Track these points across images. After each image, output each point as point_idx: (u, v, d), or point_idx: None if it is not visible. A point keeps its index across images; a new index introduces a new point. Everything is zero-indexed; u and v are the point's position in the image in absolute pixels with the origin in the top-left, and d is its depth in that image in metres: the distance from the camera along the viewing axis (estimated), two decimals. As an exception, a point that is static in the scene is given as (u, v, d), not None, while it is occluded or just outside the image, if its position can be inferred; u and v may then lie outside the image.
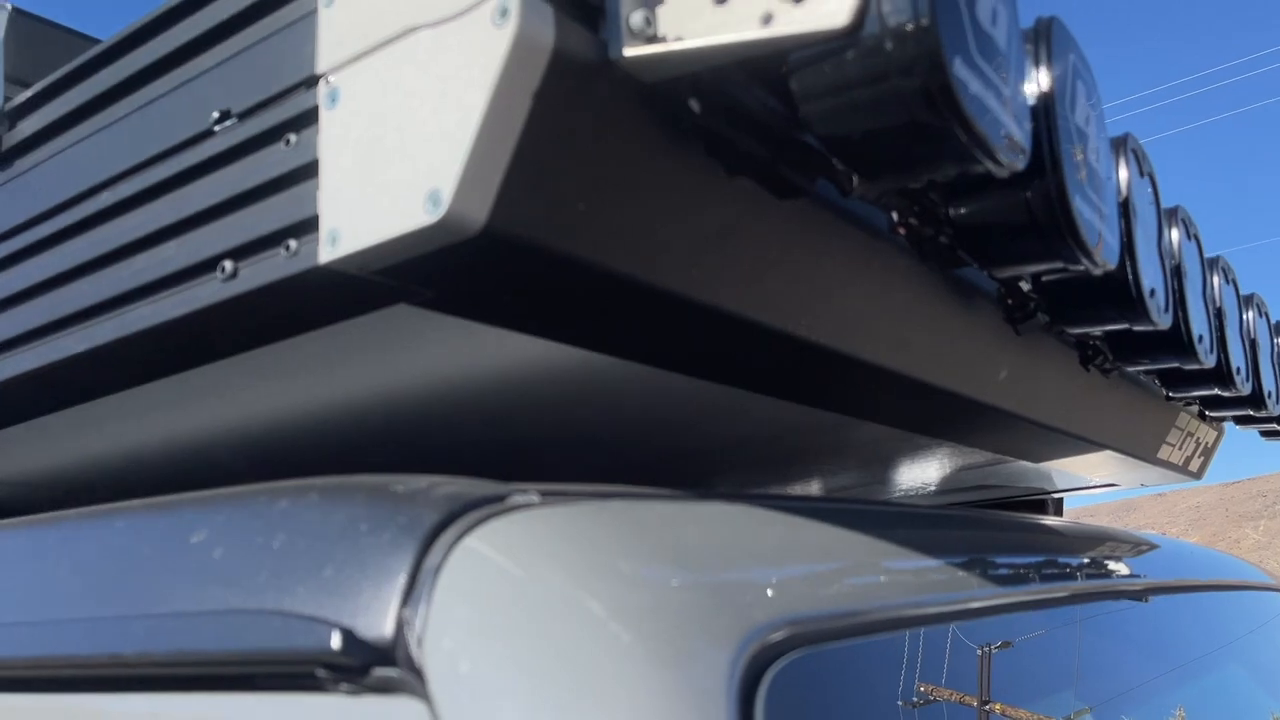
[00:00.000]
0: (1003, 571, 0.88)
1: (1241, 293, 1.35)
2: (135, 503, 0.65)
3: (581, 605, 0.48)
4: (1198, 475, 1.91)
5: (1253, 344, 1.36)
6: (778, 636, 0.50)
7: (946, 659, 0.67)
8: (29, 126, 0.85)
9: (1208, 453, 1.88)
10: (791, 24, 0.56)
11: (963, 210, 0.75)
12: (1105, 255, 0.77)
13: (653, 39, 0.59)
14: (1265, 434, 1.73)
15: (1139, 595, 1.27)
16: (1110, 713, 1.01)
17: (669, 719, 0.45)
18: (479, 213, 0.56)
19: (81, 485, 1.10)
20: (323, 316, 0.70)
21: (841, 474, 1.49)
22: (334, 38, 0.63)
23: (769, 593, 0.54)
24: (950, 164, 0.59)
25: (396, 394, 0.88)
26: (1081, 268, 0.76)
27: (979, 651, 0.74)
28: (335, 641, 0.44)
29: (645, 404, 0.95)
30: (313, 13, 0.65)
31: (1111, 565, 1.28)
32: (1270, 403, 1.42)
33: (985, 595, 0.78)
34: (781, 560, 0.61)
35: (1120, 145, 0.92)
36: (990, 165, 0.59)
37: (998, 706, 0.74)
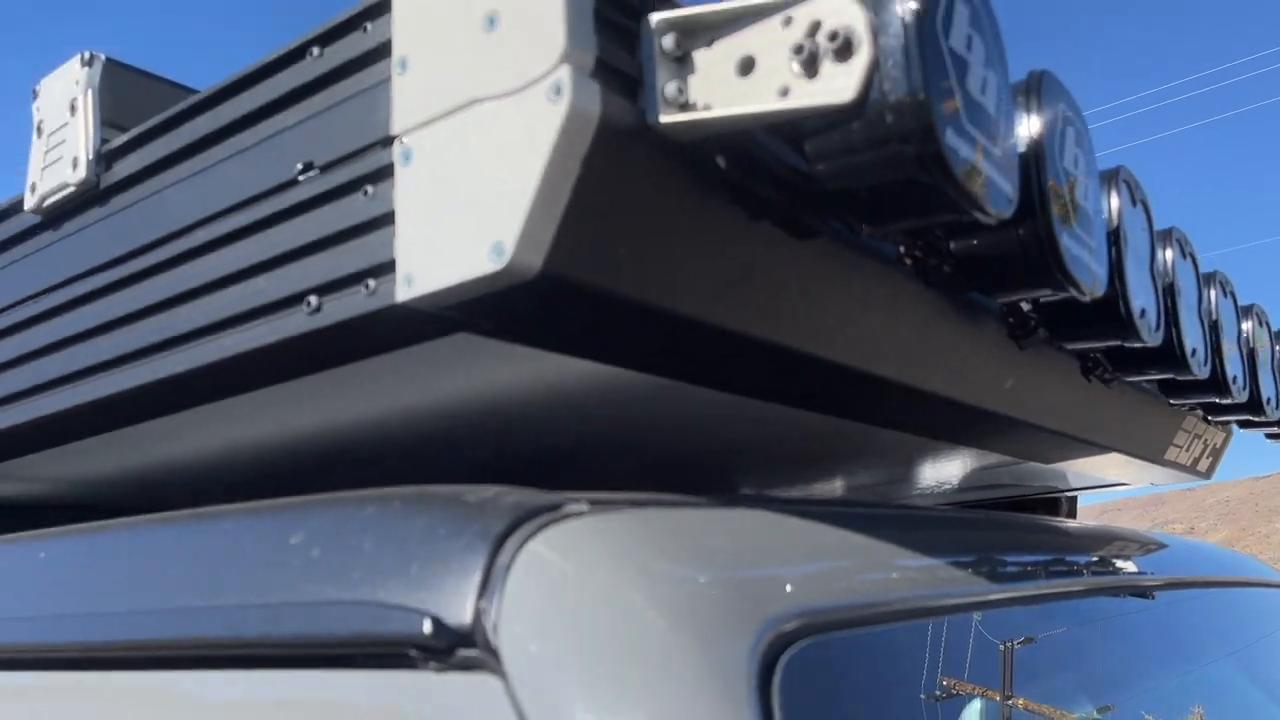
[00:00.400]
0: (1002, 569, 0.97)
1: (1240, 303, 1.42)
2: (240, 505, 0.75)
3: (625, 598, 0.58)
4: (1206, 475, 1.97)
5: (1251, 353, 1.43)
6: (791, 626, 0.59)
7: (944, 650, 0.76)
8: (125, 168, 0.95)
9: (1216, 453, 1.94)
10: (805, 97, 0.65)
11: (961, 245, 0.83)
12: (1091, 285, 0.85)
13: (685, 107, 0.68)
14: (1270, 436, 1.80)
15: (1143, 592, 1.35)
16: (1109, 707, 1.10)
17: (698, 693, 0.54)
18: (536, 260, 0.65)
19: (172, 484, 1.20)
20: (393, 344, 0.79)
21: (860, 476, 1.57)
22: (407, 104, 0.72)
23: (785, 588, 0.63)
24: (944, 215, 0.68)
25: (450, 407, 0.98)
26: (1070, 295, 0.85)
27: (978, 643, 0.82)
28: (426, 628, 0.54)
29: (676, 415, 1.05)
30: (387, 80, 0.74)
31: (1113, 562, 1.35)
32: (1270, 409, 1.49)
33: (986, 591, 0.87)
34: (797, 558, 0.70)
35: (1112, 178, 1.00)
36: (980, 216, 0.68)
37: (991, 693, 0.82)
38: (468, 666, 0.54)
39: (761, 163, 0.72)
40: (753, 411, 1.00)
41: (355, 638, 0.58)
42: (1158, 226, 1.15)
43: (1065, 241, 0.81)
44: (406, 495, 0.66)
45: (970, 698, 0.77)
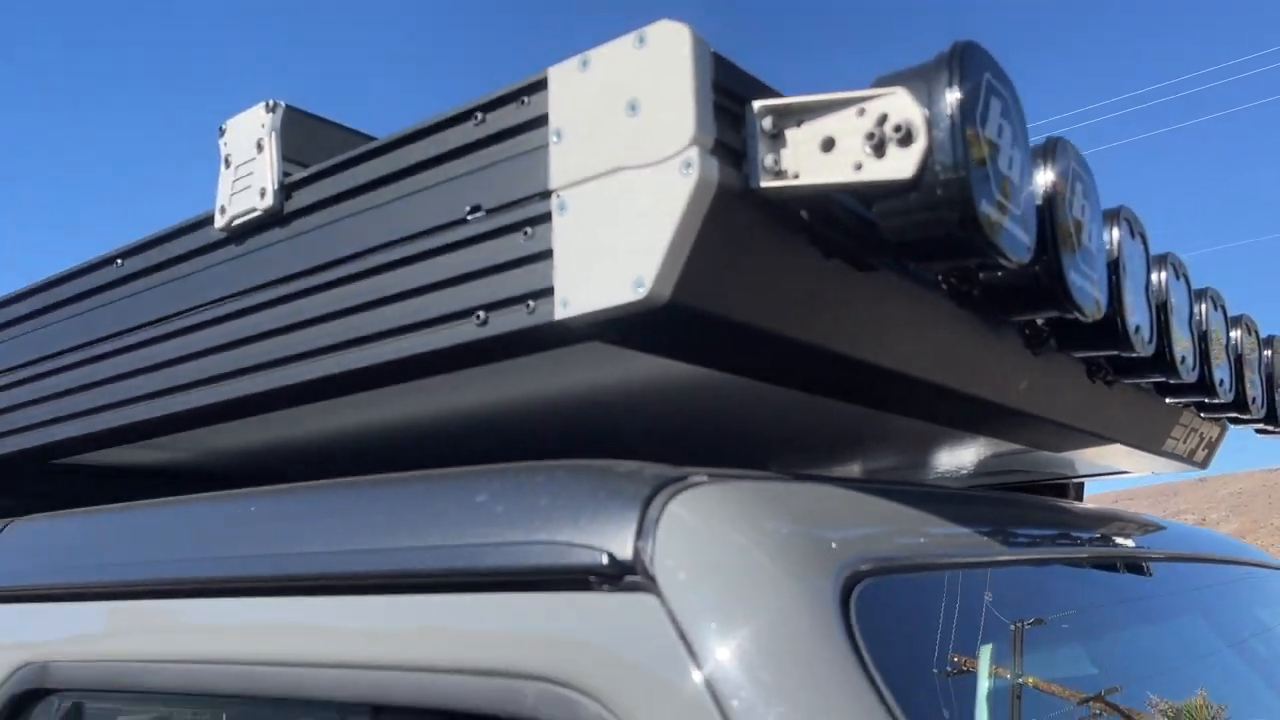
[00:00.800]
0: (1015, 536, 1.18)
1: (1230, 314, 1.63)
2: (440, 470, 0.97)
3: (739, 543, 0.80)
4: (1203, 465, 2.18)
5: (1238, 359, 1.63)
6: (863, 568, 0.81)
7: (969, 592, 0.98)
8: (306, 198, 1.16)
9: (1211, 446, 2.15)
10: (874, 173, 0.86)
11: (988, 276, 1.05)
12: (1093, 309, 1.06)
13: (779, 175, 0.89)
14: (1259, 432, 2.00)
15: (1133, 556, 1.56)
16: (1101, 651, 1.31)
17: (792, 608, 0.76)
18: (666, 291, 0.87)
19: (337, 453, 1.43)
20: (538, 349, 1.01)
21: (900, 459, 1.79)
22: (563, 165, 0.94)
23: (852, 539, 0.85)
24: (976, 259, 0.89)
25: (577, 395, 1.20)
26: (1074, 317, 1.06)
27: (995, 589, 1.04)
28: (603, 560, 0.76)
29: (751, 407, 1.26)
30: (545, 145, 0.95)
31: (1109, 534, 1.57)
32: (1254, 408, 1.70)
33: (1002, 551, 1.09)
34: (858, 520, 0.92)
35: (1114, 215, 1.20)
36: (1004, 262, 0.89)
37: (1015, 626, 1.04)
38: (633, 589, 0.76)
39: (834, 216, 0.94)
40: (815, 405, 1.22)
41: (544, 568, 0.80)
42: (1155, 251, 1.36)
43: (1071, 275, 1.02)
44: (569, 466, 0.88)
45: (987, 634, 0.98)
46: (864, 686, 0.72)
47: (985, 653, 0.94)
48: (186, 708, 1.11)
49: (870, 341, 1.07)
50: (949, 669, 0.90)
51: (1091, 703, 1.12)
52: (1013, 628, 0.99)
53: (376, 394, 1.17)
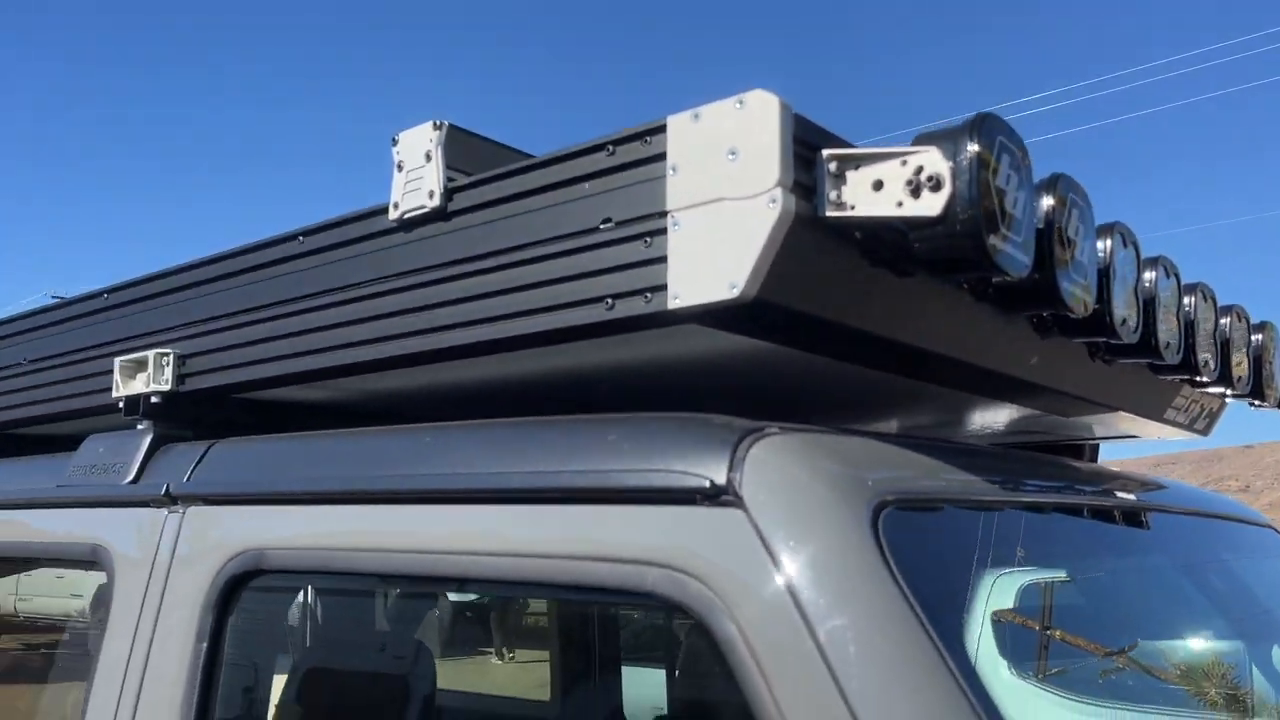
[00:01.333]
0: (1027, 482, 1.50)
1: (1220, 305, 1.90)
2: (581, 416, 1.31)
3: (801, 477, 1.12)
4: (1204, 433, 2.46)
5: (1225, 343, 1.92)
6: (889, 499, 1.13)
7: (979, 528, 1.29)
8: (467, 200, 1.49)
9: (1212, 416, 2.43)
10: (911, 209, 1.16)
11: (999, 281, 1.35)
12: (1082, 309, 1.36)
13: (840, 206, 1.20)
14: (1252, 405, 2.28)
15: (1130, 510, 1.86)
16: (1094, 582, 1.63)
17: (841, 526, 1.08)
18: (753, 291, 1.18)
19: (486, 398, 1.77)
20: (648, 328, 1.33)
21: (935, 419, 2.11)
22: (677, 192, 1.25)
23: (883, 478, 1.17)
24: (985, 273, 1.20)
25: (674, 361, 1.53)
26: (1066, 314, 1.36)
27: (1000, 526, 1.35)
28: (706, 484, 1.09)
29: (817, 376, 1.58)
30: (663, 176, 1.27)
31: (1112, 489, 1.87)
32: (1239, 385, 1.98)
33: (1011, 494, 1.40)
34: (890, 465, 1.24)
35: (1109, 229, 1.49)
36: (1005, 277, 1.19)
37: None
38: (726, 505, 1.09)
39: (880, 238, 1.24)
40: (861, 375, 1.54)
41: (663, 488, 1.13)
42: (1148, 254, 1.65)
43: (1063, 283, 1.32)
44: (680, 417, 1.21)
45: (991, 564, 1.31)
46: (889, 583, 1.05)
47: (982, 566, 1.26)
48: (373, 586, 1.46)
49: (907, 327, 1.39)
50: (955, 578, 1.22)
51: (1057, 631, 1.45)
52: (1011, 552, 1.32)
53: (514, 354, 1.50)
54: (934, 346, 1.45)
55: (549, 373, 1.65)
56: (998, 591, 1.32)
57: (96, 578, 1.74)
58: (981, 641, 1.17)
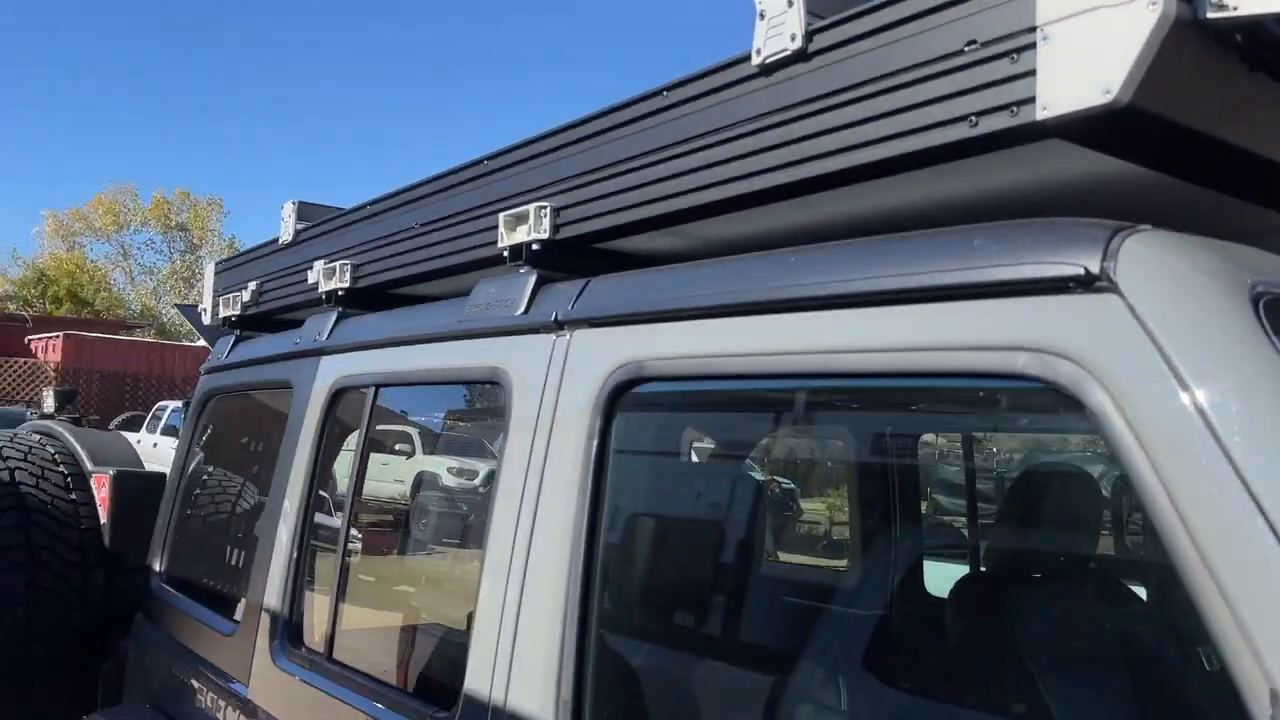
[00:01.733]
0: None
1: None
2: (955, 228, 1.41)
3: (1180, 266, 1.17)
4: None
5: None
6: (1260, 289, 1.16)
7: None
8: (829, 39, 1.60)
9: None
10: (1303, 4, 1.16)
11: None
12: None
13: (1222, 8, 1.21)
14: None
15: None
16: None
17: (1225, 309, 1.12)
18: (1128, 96, 1.23)
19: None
20: (1010, 145, 1.40)
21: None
22: (1047, 6, 1.30)
23: (1265, 276, 1.20)
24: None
25: (1027, 193, 1.59)
26: None
27: None
28: (1083, 272, 1.17)
29: (1169, 207, 1.59)
30: (1032, -8, 1.32)
31: None
32: None
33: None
34: (1271, 268, 1.26)
35: None
36: None
37: None
38: (1102, 290, 1.17)
39: (1261, 38, 1.24)
40: (1218, 205, 1.53)
41: (1044, 279, 1.22)
42: None
43: None
44: (1042, 220, 1.29)
45: None
46: (1273, 355, 1.08)
47: None
48: (744, 390, 1.66)
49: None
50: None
51: None
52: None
53: (857, 189, 1.61)
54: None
55: (900, 210, 1.75)
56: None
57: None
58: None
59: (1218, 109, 1.29)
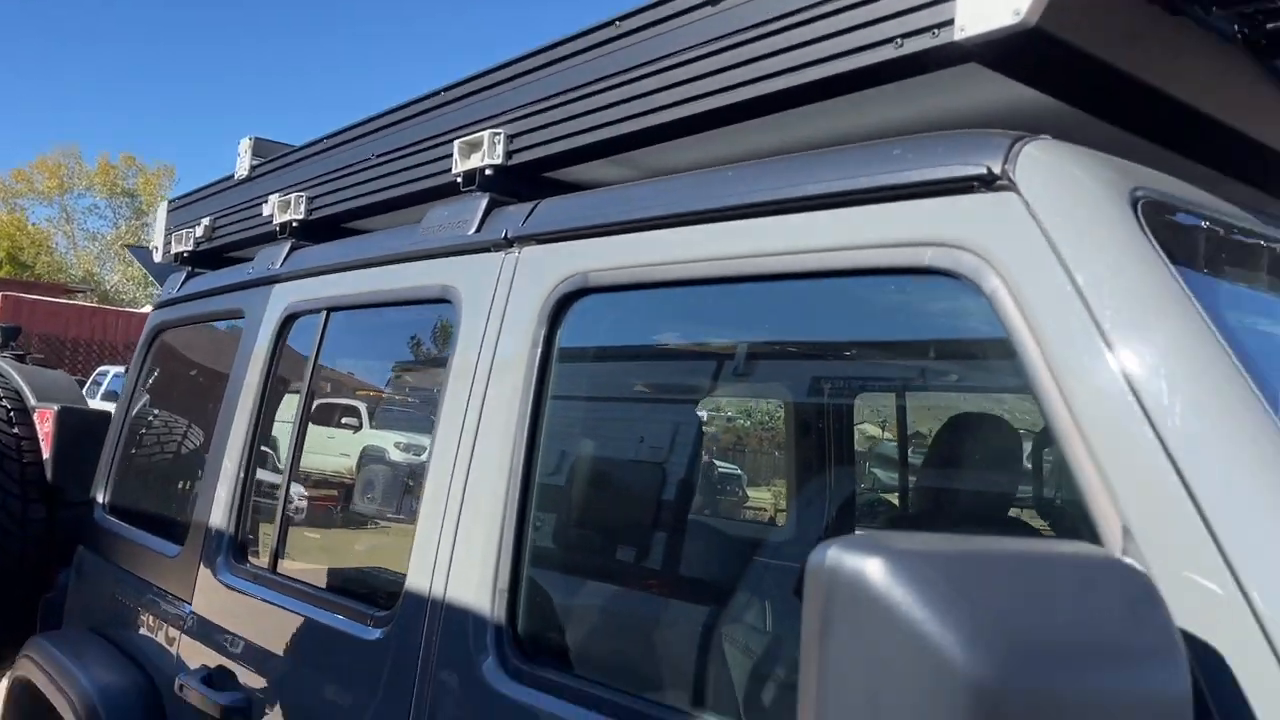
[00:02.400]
0: None
1: None
2: (870, 142, 1.52)
3: (1074, 170, 1.29)
4: None
5: None
6: (1140, 193, 1.28)
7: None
8: (769, -29, 1.70)
9: None
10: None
11: (1274, 27, 1.44)
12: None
13: (1122, -60, 1.33)
14: None
15: None
16: None
17: (1108, 204, 1.25)
18: (1034, 18, 1.34)
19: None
20: (930, 68, 1.51)
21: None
22: (967, -63, 1.41)
23: (1149, 183, 1.32)
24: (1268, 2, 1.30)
25: (940, 121, 1.71)
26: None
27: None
28: (984, 171, 1.28)
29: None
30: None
31: None
32: None
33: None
34: (1156, 177, 1.39)
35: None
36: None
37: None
38: (1002, 189, 1.28)
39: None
40: (1115, 141, 1.66)
41: (946, 179, 1.33)
42: None
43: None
44: (954, 131, 1.40)
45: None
46: (1145, 243, 1.21)
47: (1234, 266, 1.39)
48: (683, 294, 1.76)
49: (1178, 79, 1.50)
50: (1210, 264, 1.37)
51: None
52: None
53: (789, 115, 1.72)
54: (1204, 106, 1.55)
55: (835, 139, 1.86)
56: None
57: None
58: (1222, 295, 1.30)
59: (1119, 38, 1.42)
